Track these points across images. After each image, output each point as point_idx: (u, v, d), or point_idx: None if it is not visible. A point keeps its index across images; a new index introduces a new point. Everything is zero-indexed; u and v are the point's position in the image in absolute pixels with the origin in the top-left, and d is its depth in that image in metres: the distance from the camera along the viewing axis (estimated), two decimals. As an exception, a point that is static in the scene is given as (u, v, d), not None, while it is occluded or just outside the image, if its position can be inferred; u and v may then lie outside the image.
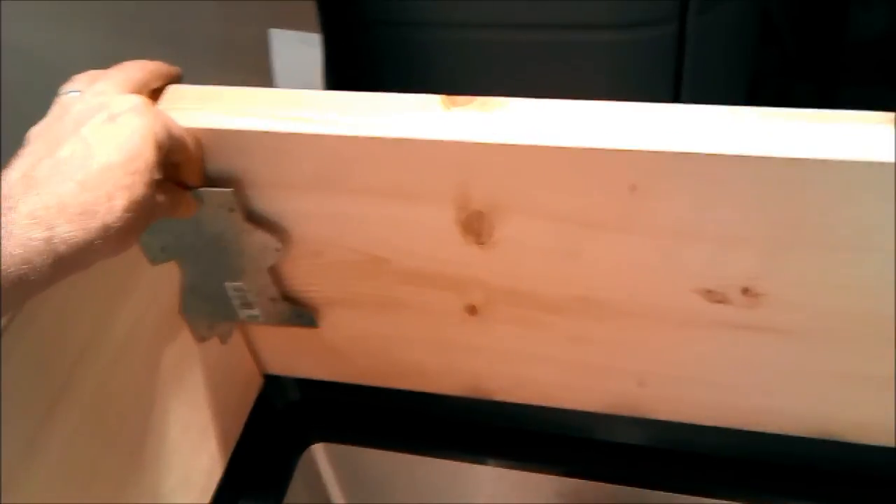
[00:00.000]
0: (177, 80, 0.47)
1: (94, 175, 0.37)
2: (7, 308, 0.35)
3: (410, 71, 0.87)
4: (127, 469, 0.51)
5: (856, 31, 1.10)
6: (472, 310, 0.52)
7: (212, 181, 0.47)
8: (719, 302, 0.46)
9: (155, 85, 0.45)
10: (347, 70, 0.93)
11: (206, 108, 0.44)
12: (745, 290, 0.45)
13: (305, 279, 0.53)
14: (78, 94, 0.42)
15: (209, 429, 0.58)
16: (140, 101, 0.41)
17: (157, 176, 0.40)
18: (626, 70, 0.91)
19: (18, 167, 0.37)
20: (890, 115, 0.37)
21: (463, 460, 0.64)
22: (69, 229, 0.35)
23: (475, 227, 0.46)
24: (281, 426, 0.65)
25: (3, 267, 0.33)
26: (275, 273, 0.53)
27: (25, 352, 0.42)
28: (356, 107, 0.43)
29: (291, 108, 0.44)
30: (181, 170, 0.45)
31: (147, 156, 0.39)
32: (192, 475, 0.56)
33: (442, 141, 0.42)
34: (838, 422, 0.53)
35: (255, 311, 0.56)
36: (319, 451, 0.67)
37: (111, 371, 0.48)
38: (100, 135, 0.38)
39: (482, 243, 0.47)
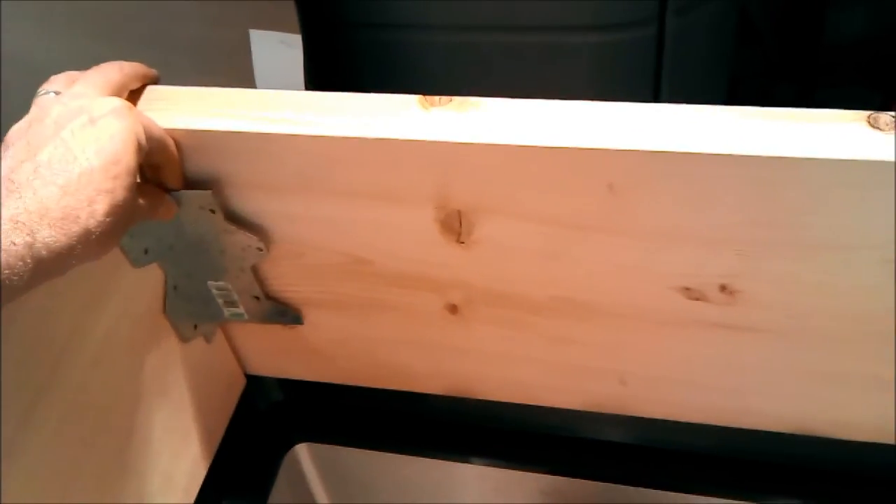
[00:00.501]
0: (155, 81, 0.47)
1: (75, 179, 0.37)
2: None
3: (391, 73, 0.87)
4: (109, 470, 0.50)
5: (833, 33, 1.11)
6: (453, 310, 0.52)
7: (192, 182, 0.47)
8: (698, 300, 0.46)
9: (133, 86, 0.45)
10: (328, 72, 0.93)
11: (185, 109, 0.44)
12: (724, 288, 0.45)
13: (288, 280, 0.53)
14: (55, 95, 0.42)
15: (192, 429, 0.58)
16: (120, 103, 0.41)
17: (138, 179, 0.40)
18: (606, 72, 0.91)
19: None
20: (864, 113, 0.37)
21: (447, 459, 0.65)
22: (50, 234, 0.35)
23: (455, 227, 0.46)
24: (264, 427, 0.65)
25: None
26: (258, 273, 0.53)
27: (5, 352, 0.42)
28: (334, 107, 0.43)
29: (270, 108, 0.44)
30: (161, 172, 0.45)
31: (128, 160, 0.39)
32: (175, 476, 0.56)
33: (420, 141, 0.42)
34: (817, 419, 0.53)
35: (240, 310, 0.56)
36: (303, 452, 0.67)
37: (92, 372, 0.48)
38: (80, 138, 0.38)
39: (462, 243, 0.47)
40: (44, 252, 0.35)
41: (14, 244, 0.34)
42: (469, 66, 0.85)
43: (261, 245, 0.50)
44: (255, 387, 0.64)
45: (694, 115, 0.40)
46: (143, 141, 0.41)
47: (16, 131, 0.40)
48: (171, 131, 0.43)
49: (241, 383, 0.64)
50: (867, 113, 0.37)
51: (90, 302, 0.48)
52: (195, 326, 0.57)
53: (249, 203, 0.48)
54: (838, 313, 0.45)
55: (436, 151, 0.42)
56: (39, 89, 0.43)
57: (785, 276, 0.43)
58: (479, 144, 0.41)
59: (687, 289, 0.46)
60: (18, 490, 0.43)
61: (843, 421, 0.53)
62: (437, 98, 0.43)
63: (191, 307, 0.55)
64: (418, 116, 0.42)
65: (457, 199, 0.44)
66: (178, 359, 0.57)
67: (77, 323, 0.47)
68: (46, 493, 0.45)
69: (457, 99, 0.43)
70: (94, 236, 0.37)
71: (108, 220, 0.38)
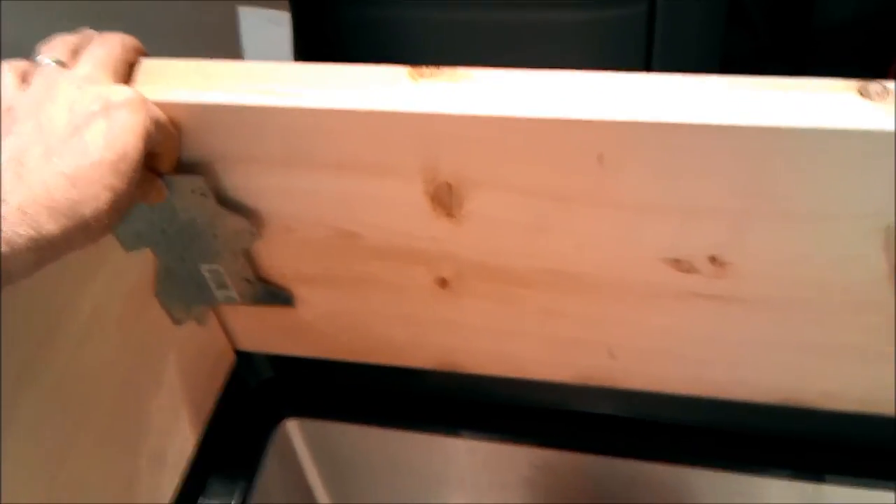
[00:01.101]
0: (143, 56, 0.46)
1: (84, 172, 0.37)
2: None
3: (380, 50, 0.86)
4: (98, 448, 0.50)
5: (823, 14, 1.11)
6: (443, 284, 0.52)
7: (181, 163, 0.46)
8: (687, 272, 0.46)
9: (133, 61, 0.44)
10: (317, 49, 0.93)
11: (170, 84, 0.44)
12: (713, 260, 0.45)
13: (278, 257, 0.53)
14: (57, 65, 0.41)
15: (181, 407, 0.58)
16: (134, 95, 0.40)
17: (136, 172, 0.39)
18: (597, 49, 0.91)
19: (7, 147, 0.36)
20: (855, 82, 0.37)
21: (437, 434, 0.65)
22: (54, 228, 0.35)
23: (444, 200, 0.46)
24: (254, 403, 0.65)
25: None
26: (249, 253, 0.53)
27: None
28: (323, 79, 0.43)
29: (257, 81, 0.43)
30: (158, 158, 0.44)
31: (137, 155, 0.39)
32: (164, 453, 0.56)
33: (409, 113, 0.41)
34: (806, 390, 0.54)
35: (232, 292, 0.55)
36: (293, 428, 0.67)
37: (79, 351, 0.48)
38: (94, 130, 0.38)
39: (452, 217, 0.47)
40: (45, 243, 0.35)
41: (19, 235, 0.34)
42: (459, 43, 0.85)
43: (253, 228, 0.50)
44: (245, 363, 0.64)
45: (683, 85, 0.39)
46: (153, 134, 0.41)
47: (24, 106, 0.39)
48: (166, 108, 0.43)
49: (230, 360, 0.64)
50: (858, 82, 0.37)
51: (78, 281, 0.48)
52: (187, 309, 0.57)
53: (238, 180, 0.48)
54: (827, 284, 0.45)
55: (425, 123, 0.42)
56: (38, 54, 0.42)
57: (774, 248, 0.43)
58: (469, 116, 0.41)
59: (676, 260, 0.46)
60: (8, 468, 0.43)
61: (832, 392, 0.53)
62: (426, 69, 0.42)
63: (182, 290, 0.55)
64: (408, 88, 0.42)
65: (446, 172, 0.44)
66: (167, 336, 0.57)
67: (64, 301, 0.47)
68: (36, 473, 0.45)
69: (446, 70, 0.42)
70: (93, 229, 0.37)
71: (110, 213, 0.37)
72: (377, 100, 0.41)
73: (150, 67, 0.44)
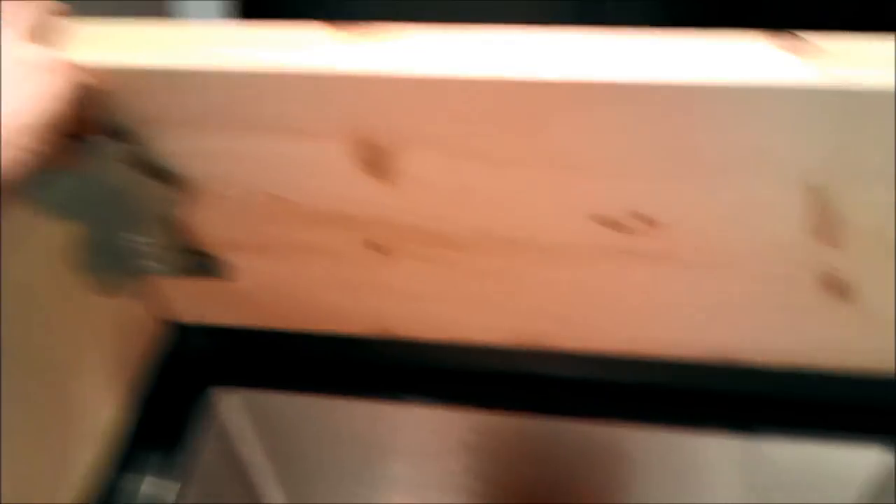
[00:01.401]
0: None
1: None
2: None
3: (315, 7, 0.85)
4: (30, 423, 0.49)
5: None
6: (377, 248, 0.51)
7: (106, 128, 0.45)
8: (615, 230, 0.47)
9: (51, 24, 0.43)
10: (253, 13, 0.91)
11: (94, 47, 0.42)
12: (639, 217, 0.46)
13: (209, 224, 0.52)
14: None
15: (113, 379, 0.57)
16: (53, 56, 0.39)
17: (56, 136, 0.39)
18: None
19: None
20: (773, 36, 0.38)
21: (378, 401, 0.65)
22: None
23: (375, 162, 0.45)
24: (189, 374, 0.64)
25: None
26: (177, 223, 0.52)
27: None
28: (251, 40, 0.42)
29: (184, 43, 0.42)
30: (80, 123, 0.43)
31: (53, 119, 0.38)
32: (97, 426, 0.55)
33: (337, 74, 0.41)
34: (738, 347, 0.55)
35: (160, 264, 0.54)
36: (230, 399, 0.66)
37: (6, 326, 0.46)
38: (10, 91, 0.37)
39: (383, 180, 0.46)
40: None
41: None
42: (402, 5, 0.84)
43: (178, 197, 0.49)
44: (180, 334, 0.63)
45: (607, 44, 0.39)
46: (73, 97, 0.40)
47: None
48: (89, 71, 0.41)
49: (163, 330, 0.62)
50: (776, 35, 0.38)
51: (3, 251, 0.46)
52: (115, 280, 0.55)
53: (166, 145, 0.47)
54: (753, 240, 0.46)
55: (353, 85, 0.41)
56: None
57: (697, 204, 0.44)
58: (395, 77, 0.40)
59: (603, 218, 0.46)
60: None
61: (763, 347, 0.54)
62: (355, 28, 0.42)
63: (108, 260, 0.54)
64: (333, 48, 0.41)
65: (376, 134, 0.44)
66: (97, 308, 0.55)
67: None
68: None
69: (373, 28, 0.42)
70: (4, 192, 0.36)
71: (22, 177, 0.37)
72: (305, 61, 0.41)
73: (74, 29, 0.43)
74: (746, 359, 0.55)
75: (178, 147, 0.47)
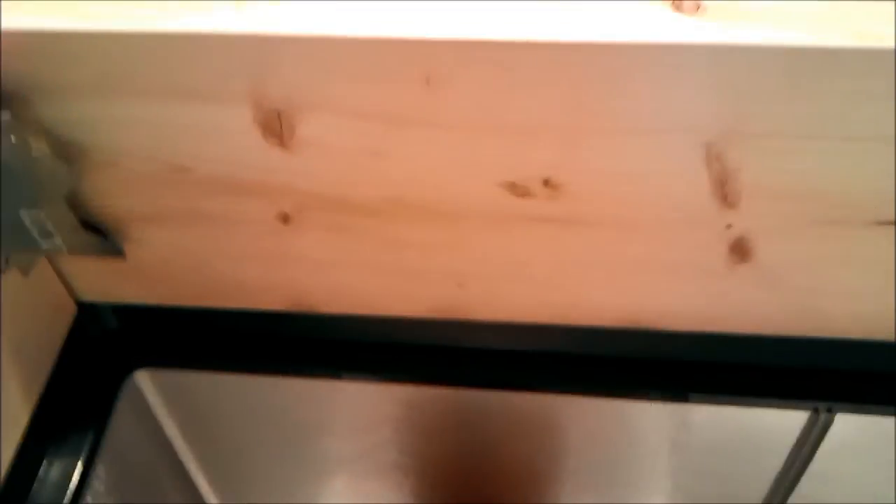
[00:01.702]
0: None
1: None
2: None
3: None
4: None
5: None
6: (284, 218, 0.50)
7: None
8: (524, 196, 0.46)
9: None
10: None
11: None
12: (546, 182, 0.45)
13: (105, 195, 0.50)
14: None
15: (19, 363, 0.55)
16: None
17: None
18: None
19: None
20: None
21: (297, 376, 0.64)
22: None
23: (275, 127, 0.44)
24: (98, 355, 0.62)
25: None
26: (74, 197, 0.50)
27: None
28: (144, 3, 0.40)
29: (70, 3, 0.40)
30: None
31: None
32: (5, 411, 0.53)
33: (231, 34, 0.39)
34: (649, 311, 0.55)
35: (57, 241, 0.52)
36: (144, 379, 0.64)
37: None
38: None
39: (285, 146, 0.45)
40: None
41: None
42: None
43: (72, 170, 0.47)
44: (87, 314, 0.61)
45: (507, 3, 0.39)
46: None
47: None
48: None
49: (70, 311, 0.60)
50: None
51: None
52: (7, 258, 0.53)
53: (56, 112, 0.45)
54: (657, 201, 0.46)
55: (246, 46, 0.40)
56: None
57: (603, 166, 0.44)
58: (291, 37, 0.39)
59: (512, 184, 0.46)
60: None
61: (675, 311, 0.54)
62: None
63: (8, 238, 0.51)
64: (229, 9, 0.40)
65: (275, 98, 0.43)
66: (10, 289, 0.53)
67: None
68: None
69: None
70: None
71: None
72: (198, 22, 0.39)
73: None
74: (658, 324, 0.56)
75: (70, 115, 0.45)
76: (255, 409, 0.70)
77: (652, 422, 0.68)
